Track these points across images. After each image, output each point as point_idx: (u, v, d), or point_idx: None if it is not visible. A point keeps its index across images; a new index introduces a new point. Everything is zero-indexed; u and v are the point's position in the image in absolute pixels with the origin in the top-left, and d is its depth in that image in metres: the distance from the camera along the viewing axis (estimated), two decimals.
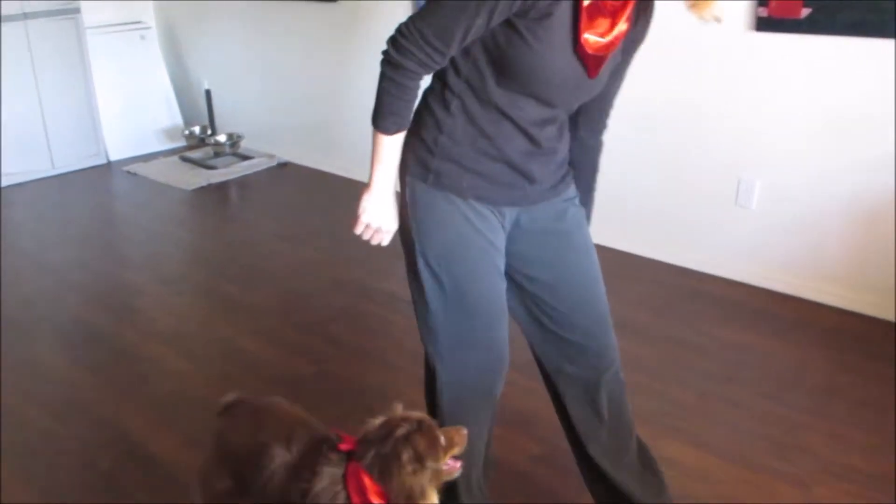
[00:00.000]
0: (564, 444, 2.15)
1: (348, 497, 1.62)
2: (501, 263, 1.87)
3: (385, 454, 1.61)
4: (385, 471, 1.60)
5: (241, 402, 2.01)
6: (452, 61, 1.70)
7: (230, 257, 4.20)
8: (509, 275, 1.92)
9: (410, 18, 1.59)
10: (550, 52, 1.59)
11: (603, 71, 1.69)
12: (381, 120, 1.71)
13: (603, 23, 1.58)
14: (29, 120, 5.46)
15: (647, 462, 2.10)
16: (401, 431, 1.61)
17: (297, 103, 5.61)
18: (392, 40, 1.62)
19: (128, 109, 6.05)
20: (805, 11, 3.11)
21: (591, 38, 1.58)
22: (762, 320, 3.35)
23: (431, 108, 1.76)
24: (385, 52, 1.63)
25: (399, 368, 3.08)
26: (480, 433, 2.02)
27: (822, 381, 2.91)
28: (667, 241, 3.85)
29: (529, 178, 1.80)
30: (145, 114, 6.17)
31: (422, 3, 1.70)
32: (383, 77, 1.66)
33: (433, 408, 2.01)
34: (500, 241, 1.85)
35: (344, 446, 1.72)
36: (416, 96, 1.69)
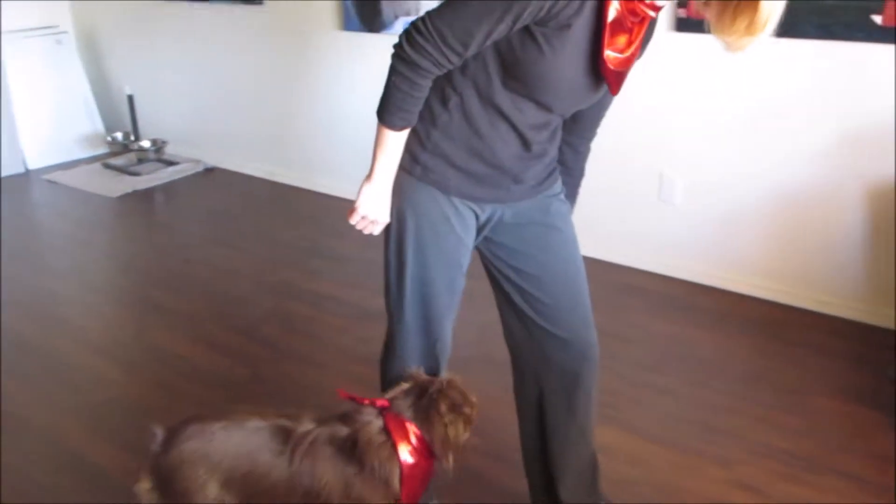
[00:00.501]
0: (512, 441, 2.20)
1: (393, 443, 1.77)
2: (467, 261, 1.91)
3: (424, 406, 1.80)
4: (425, 420, 1.79)
5: None
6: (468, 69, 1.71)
7: (160, 264, 4.14)
8: (497, 268, 1.97)
9: (429, 16, 1.56)
10: (563, 63, 1.61)
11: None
12: (389, 115, 1.67)
13: (622, 39, 1.61)
14: None
15: (595, 473, 2.16)
16: (436, 387, 1.81)
17: (222, 108, 5.56)
18: (407, 36, 1.58)
19: (46, 116, 5.89)
20: None
21: (611, 54, 1.61)
22: (687, 312, 3.47)
23: (429, 101, 1.73)
24: (398, 47, 1.60)
25: (331, 367, 3.11)
26: None
27: (745, 368, 3.03)
28: (593, 237, 3.94)
29: (516, 179, 1.84)
30: (64, 121, 6.01)
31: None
32: (395, 72, 1.62)
33: (385, 376, 2.05)
34: (472, 239, 1.90)
35: (379, 402, 1.85)
36: (426, 94, 1.67)
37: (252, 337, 3.34)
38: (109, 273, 4.13)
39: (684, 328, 3.33)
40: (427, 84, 1.65)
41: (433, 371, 1.97)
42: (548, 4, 1.51)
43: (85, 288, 3.89)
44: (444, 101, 1.74)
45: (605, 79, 1.66)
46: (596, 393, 2.07)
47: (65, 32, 6.09)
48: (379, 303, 3.49)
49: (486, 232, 1.93)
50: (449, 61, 1.60)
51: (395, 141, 1.72)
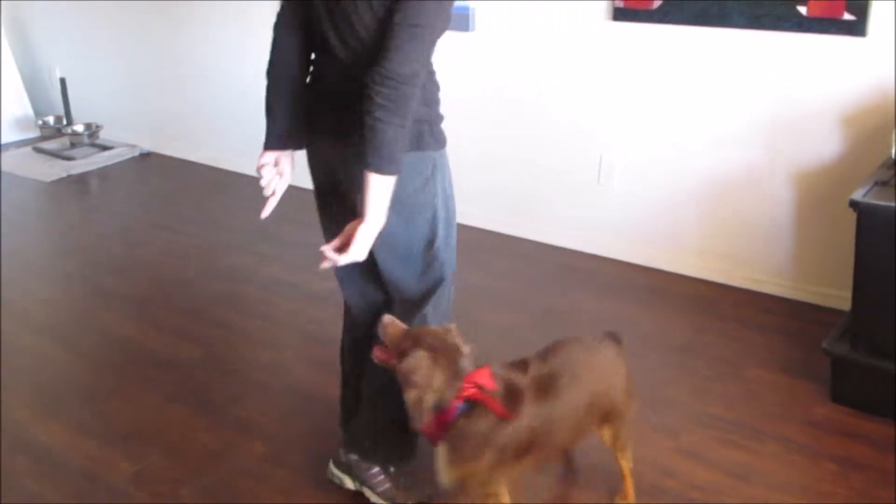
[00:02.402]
0: None
1: None
2: None
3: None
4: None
5: None
6: None
7: (101, 248, 4.10)
8: None
9: (399, 66, 1.69)
10: None
11: None
12: (394, 165, 1.76)
13: None
14: None
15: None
16: None
17: (158, 91, 5.49)
18: (390, 98, 1.69)
19: None
20: (657, 3, 3.37)
21: None
22: (626, 290, 3.60)
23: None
24: (382, 109, 1.70)
25: (286, 347, 3.14)
26: None
27: (682, 342, 3.17)
28: (534, 220, 4.05)
29: None
30: None
31: None
32: (391, 126, 1.71)
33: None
34: None
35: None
36: None
37: (202, 319, 3.35)
38: (49, 257, 4.07)
39: (622, 305, 3.46)
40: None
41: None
42: None
43: (25, 271, 3.83)
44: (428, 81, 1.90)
45: None
46: None
47: None
48: (328, 286, 3.56)
49: None
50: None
51: (393, 183, 1.77)
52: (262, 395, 2.83)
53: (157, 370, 2.98)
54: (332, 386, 2.81)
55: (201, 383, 2.91)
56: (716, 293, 3.55)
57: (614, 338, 2.18)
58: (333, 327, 3.20)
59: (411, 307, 2.09)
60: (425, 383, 1.81)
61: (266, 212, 2.05)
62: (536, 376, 1.97)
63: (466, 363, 1.88)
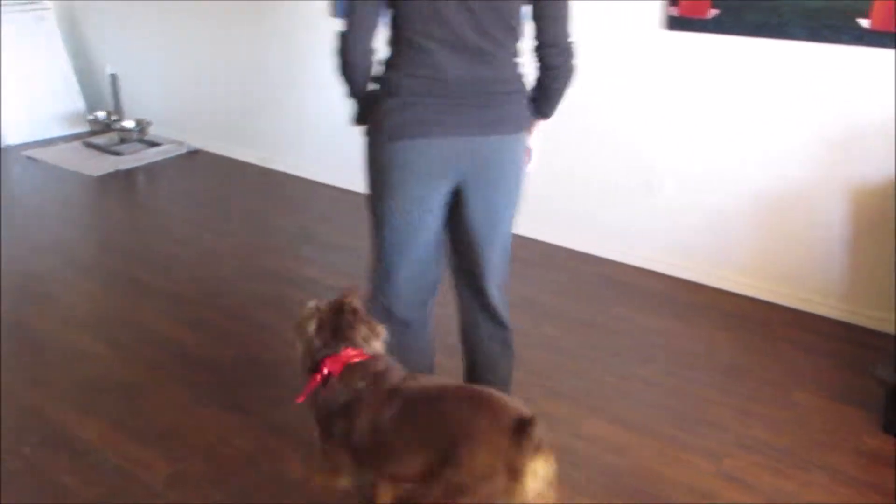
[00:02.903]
0: None
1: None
2: None
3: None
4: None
5: None
6: None
7: (145, 244, 4.12)
8: None
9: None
10: None
11: None
12: None
13: None
14: None
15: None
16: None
17: (208, 89, 5.53)
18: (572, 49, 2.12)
19: (25, 93, 5.83)
20: (712, 12, 3.29)
21: None
22: (670, 305, 3.52)
23: None
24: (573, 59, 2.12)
25: None
26: None
27: (728, 362, 3.09)
28: (581, 231, 3.99)
29: None
30: (44, 97, 5.96)
31: None
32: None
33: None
34: None
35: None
36: None
37: (241, 319, 3.34)
38: (94, 252, 4.10)
39: (668, 322, 3.38)
40: None
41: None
42: None
43: (70, 266, 3.86)
44: None
45: None
46: None
47: (47, 8, 6.03)
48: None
49: None
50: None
51: None
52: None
53: (195, 370, 2.98)
54: None
55: (238, 385, 2.90)
56: (764, 312, 3.46)
57: (521, 424, 1.72)
58: None
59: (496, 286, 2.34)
60: (301, 331, 2.05)
61: None
62: (399, 390, 1.91)
63: (356, 336, 1.99)
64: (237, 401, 2.79)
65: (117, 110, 5.82)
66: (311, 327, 1.99)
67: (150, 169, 5.34)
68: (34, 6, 5.95)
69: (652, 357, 3.11)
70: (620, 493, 2.36)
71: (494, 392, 1.84)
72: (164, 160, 5.46)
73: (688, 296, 3.61)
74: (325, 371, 1.97)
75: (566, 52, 2.09)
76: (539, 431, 1.69)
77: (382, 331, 2.04)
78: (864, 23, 2.98)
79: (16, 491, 2.34)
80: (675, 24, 3.40)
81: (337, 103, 4.73)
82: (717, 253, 3.63)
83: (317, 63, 4.79)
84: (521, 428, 1.70)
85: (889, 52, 2.99)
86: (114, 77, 5.72)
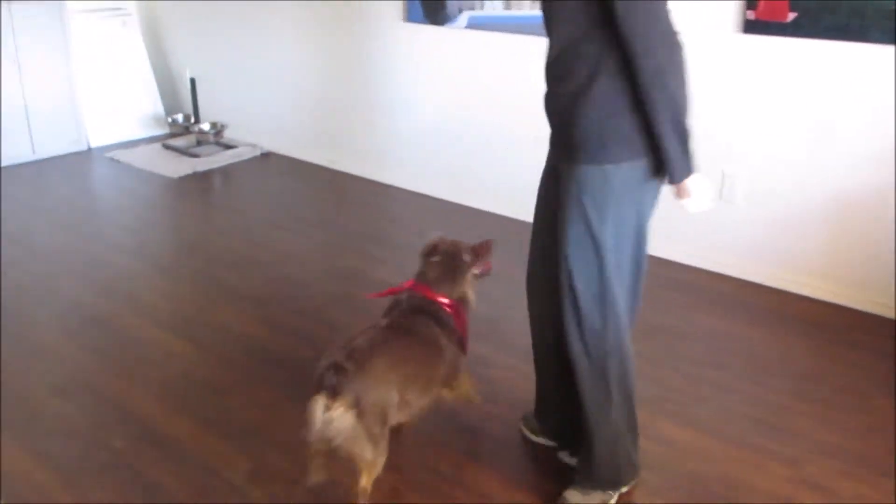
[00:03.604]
0: None
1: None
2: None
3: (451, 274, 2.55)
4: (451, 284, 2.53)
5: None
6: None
7: (223, 245, 4.24)
8: None
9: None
10: None
11: None
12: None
13: None
14: (10, 104, 5.44)
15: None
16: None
17: (281, 94, 5.65)
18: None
19: (109, 96, 6.04)
20: (791, 15, 3.26)
21: None
22: (741, 309, 3.49)
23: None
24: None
25: None
26: None
27: (803, 367, 3.06)
28: (653, 235, 3.97)
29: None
30: (126, 101, 6.16)
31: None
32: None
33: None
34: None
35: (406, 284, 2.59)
36: None
37: (318, 320, 3.42)
38: (175, 252, 4.24)
39: (739, 326, 3.36)
40: None
41: None
42: None
43: (153, 266, 4.00)
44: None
45: None
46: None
47: (129, 13, 6.23)
48: None
49: None
50: None
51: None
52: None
53: (275, 368, 3.06)
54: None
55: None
56: (839, 317, 3.42)
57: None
58: None
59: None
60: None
61: None
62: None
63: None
64: None
65: (195, 113, 5.97)
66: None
67: (226, 171, 5.48)
68: (119, 12, 6.16)
69: (726, 362, 3.09)
70: (699, 497, 2.36)
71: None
72: (239, 162, 5.61)
73: (759, 299, 3.57)
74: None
75: None
76: None
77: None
78: None
79: (105, 484, 2.43)
80: (753, 27, 3.38)
81: (405, 109, 4.84)
82: (790, 256, 3.59)
83: (388, 70, 4.86)
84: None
85: None
86: (193, 81, 5.88)
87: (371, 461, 2.17)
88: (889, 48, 3.10)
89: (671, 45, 1.83)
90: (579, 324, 2.07)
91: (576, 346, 2.10)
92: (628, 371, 2.16)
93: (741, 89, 3.53)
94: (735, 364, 3.08)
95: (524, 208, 2.78)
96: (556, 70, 1.94)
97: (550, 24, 1.91)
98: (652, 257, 3.88)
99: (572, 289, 2.04)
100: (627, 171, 1.91)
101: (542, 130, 2.11)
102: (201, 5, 5.94)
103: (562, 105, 1.94)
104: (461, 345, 2.49)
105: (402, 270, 3.83)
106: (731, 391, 2.90)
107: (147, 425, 2.72)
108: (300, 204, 4.88)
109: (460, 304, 2.50)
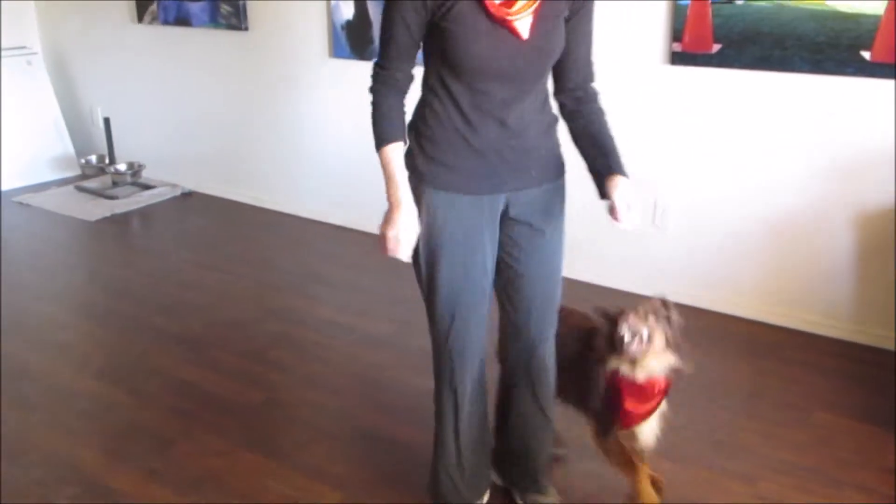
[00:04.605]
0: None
1: None
2: (489, 258, 2.13)
3: None
4: None
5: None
6: (425, 75, 1.98)
7: (152, 288, 4.11)
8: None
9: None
10: (474, 33, 1.84)
11: (537, 33, 1.89)
12: (374, 139, 1.97)
13: None
14: None
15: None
16: None
17: (202, 132, 5.54)
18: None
19: (15, 137, 5.80)
20: (716, 47, 3.39)
21: (493, 2, 1.83)
22: (687, 333, 3.57)
23: (415, 118, 2.05)
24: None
25: (347, 391, 3.13)
26: None
27: (747, 387, 3.15)
28: (590, 262, 4.05)
29: (505, 160, 2.03)
30: (34, 142, 5.93)
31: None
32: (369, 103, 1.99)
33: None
34: (491, 233, 2.11)
35: None
36: (391, 113, 1.97)
37: (263, 361, 3.35)
38: (101, 298, 4.07)
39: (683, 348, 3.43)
40: (387, 103, 1.96)
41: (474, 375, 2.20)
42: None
43: (79, 313, 3.85)
44: (424, 116, 2.00)
45: (508, 28, 1.85)
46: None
47: (35, 53, 6.03)
48: (385, 329, 3.55)
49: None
50: (393, 75, 1.94)
51: (384, 160, 1.95)
52: (329, 441, 2.81)
53: (222, 414, 2.97)
54: (398, 431, 2.83)
55: (264, 427, 2.90)
56: (776, 336, 3.54)
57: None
58: (395, 371, 3.24)
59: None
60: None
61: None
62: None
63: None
64: (267, 445, 2.79)
65: (110, 154, 5.79)
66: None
67: (146, 212, 5.33)
68: (24, 51, 5.95)
69: (674, 384, 3.14)
70: None
71: None
72: (159, 202, 5.46)
73: (701, 323, 3.65)
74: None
75: None
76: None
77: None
78: (866, 55, 3.09)
79: None
80: (680, 59, 3.50)
81: (333, 143, 4.81)
82: (726, 280, 3.71)
83: (314, 105, 4.84)
84: None
85: (889, 83, 3.10)
86: (107, 120, 5.71)
87: None
88: (809, 77, 3.25)
89: None
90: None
91: (551, 359, 2.30)
92: None
93: (670, 119, 3.65)
94: (681, 385, 3.13)
95: None
96: (535, 105, 2.04)
97: (532, 67, 1.95)
98: (593, 285, 4.00)
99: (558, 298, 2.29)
100: None
101: None
102: (111, 44, 5.79)
103: (546, 133, 2.12)
104: None
105: (345, 308, 3.80)
106: (681, 412, 2.95)
107: (92, 480, 2.60)
108: (228, 243, 4.77)
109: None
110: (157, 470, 2.65)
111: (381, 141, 1.95)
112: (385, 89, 1.96)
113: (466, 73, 1.89)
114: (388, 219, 1.92)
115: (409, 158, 2.01)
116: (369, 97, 1.98)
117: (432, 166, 2.00)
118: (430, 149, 1.99)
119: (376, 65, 1.96)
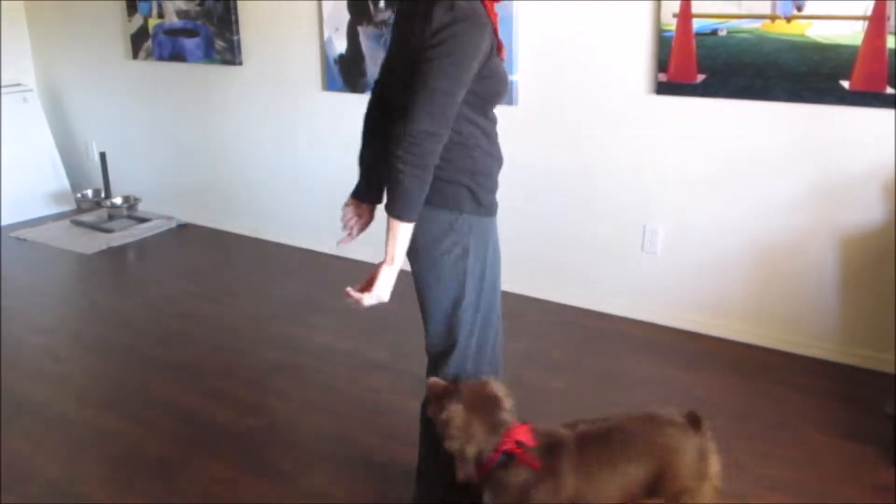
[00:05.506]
0: None
1: None
2: None
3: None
4: None
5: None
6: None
7: (149, 319, 4.16)
8: None
9: (412, 127, 1.83)
10: (497, 61, 1.98)
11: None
12: (408, 213, 1.91)
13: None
14: None
15: None
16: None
17: (195, 164, 5.62)
18: (406, 152, 1.84)
19: (11, 173, 5.86)
20: (700, 77, 3.50)
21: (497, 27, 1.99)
22: (675, 356, 3.65)
23: (459, 162, 2.02)
24: (403, 163, 1.84)
25: (349, 416, 3.18)
26: None
27: (737, 407, 3.21)
28: (582, 287, 4.13)
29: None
30: (31, 177, 5.99)
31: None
32: (407, 176, 1.85)
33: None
34: None
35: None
36: (426, 188, 1.92)
37: (262, 389, 3.40)
38: (100, 330, 4.11)
39: (674, 371, 3.51)
40: (429, 179, 1.89)
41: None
42: (483, 51, 1.88)
43: (78, 345, 3.89)
44: (470, 156, 2.02)
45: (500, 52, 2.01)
46: None
47: (30, 90, 6.11)
48: (383, 354, 3.60)
49: None
50: (442, 140, 1.88)
51: (407, 231, 1.94)
52: (330, 466, 2.86)
53: (225, 441, 3.02)
54: (399, 454, 2.88)
55: (268, 454, 2.95)
56: (764, 358, 3.61)
57: (693, 417, 2.16)
58: (393, 396, 3.30)
59: (432, 364, 2.21)
60: (461, 435, 1.96)
61: (342, 243, 2.38)
62: (584, 433, 2.07)
63: (506, 416, 2.01)
64: (270, 470, 2.84)
65: (106, 188, 5.86)
66: (462, 427, 1.98)
67: (142, 244, 5.39)
68: (19, 88, 6.03)
69: (660, 405, 3.20)
70: None
71: (651, 410, 2.22)
72: (155, 235, 5.52)
73: (691, 345, 3.74)
74: (503, 455, 2.01)
75: None
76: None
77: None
78: (845, 84, 3.20)
79: None
80: (665, 88, 3.61)
81: (326, 174, 4.89)
82: (714, 304, 3.79)
83: (307, 138, 4.92)
84: (695, 420, 2.13)
85: (867, 111, 3.21)
86: (103, 155, 5.78)
87: None
88: (791, 105, 3.36)
89: None
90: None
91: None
92: None
93: (657, 146, 3.75)
94: (676, 406, 3.20)
95: None
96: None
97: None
98: (584, 310, 4.08)
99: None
100: None
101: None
102: (105, 79, 5.88)
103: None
104: None
105: (344, 336, 3.86)
106: None
107: None
108: (225, 274, 4.84)
109: None
110: (161, 498, 2.70)
111: (413, 217, 1.93)
112: (432, 161, 1.87)
113: (496, 99, 2.03)
114: (387, 278, 1.97)
115: (473, 199, 2.04)
116: (421, 171, 1.86)
117: (491, 196, 2.11)
118: (486, 182, 2.07)
119: (424, 132, 1.83)
